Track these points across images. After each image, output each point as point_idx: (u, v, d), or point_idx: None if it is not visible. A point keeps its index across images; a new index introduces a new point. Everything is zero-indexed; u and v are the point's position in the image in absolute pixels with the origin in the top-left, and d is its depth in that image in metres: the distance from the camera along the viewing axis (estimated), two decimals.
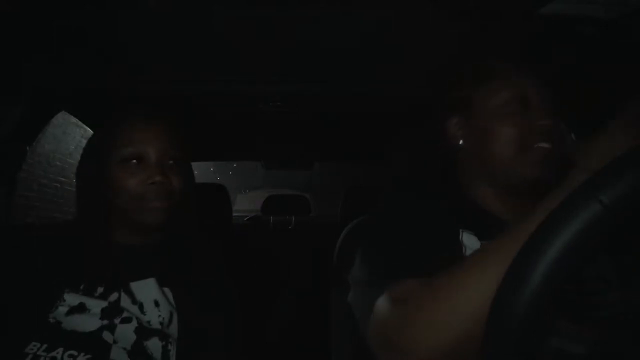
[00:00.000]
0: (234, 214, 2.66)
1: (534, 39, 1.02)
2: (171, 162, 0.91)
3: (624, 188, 0.34)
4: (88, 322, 0.82)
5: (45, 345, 0.78)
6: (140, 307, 0.86)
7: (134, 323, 0.84)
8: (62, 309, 0.82)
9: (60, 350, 0.78)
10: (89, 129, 1.43)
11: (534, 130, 0.77)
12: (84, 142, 0.98)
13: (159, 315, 0.86)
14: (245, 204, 6.75)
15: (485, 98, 0.82)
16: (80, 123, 1.46)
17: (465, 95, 0.85)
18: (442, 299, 0.56)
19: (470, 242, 0.77)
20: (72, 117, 1.37)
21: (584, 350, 0.39)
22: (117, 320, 0.83)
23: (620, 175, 0.34)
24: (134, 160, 0.89)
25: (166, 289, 0.90)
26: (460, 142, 0.87)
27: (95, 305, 0.84)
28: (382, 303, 0.65)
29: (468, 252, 0.75)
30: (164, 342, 0.84)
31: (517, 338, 0.37)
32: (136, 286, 0.88)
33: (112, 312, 0.84)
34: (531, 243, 0.37)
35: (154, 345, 0.83)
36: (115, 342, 0.82)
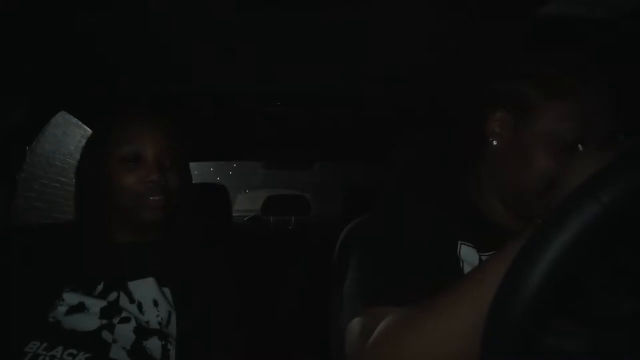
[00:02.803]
0: (234, 214, 2.66)
1: (533, 39, 1.02)
2: (169, 161, 0.92)
3: (624, 186, 0.34)
4: (87, 322, 0.82)
5: (44, 344, 0.79)
6: (139, 306, 0.86)
7: (133, 323, 0.84)
8: (62, 309, 0.83)
9: (60, 349, 0.78)
10: (89, 129, 1.43)
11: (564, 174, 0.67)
12: (84, 142, 0.99)
13: (157, 315, 0.86)
14: (245, 204, 6.76)
15: (548, 110, 0.70)
16: (80, 123, 1.46)
17: (526, 93, 0.73)
18: (414, 330, 0.55)
19: (468, 256, 0.73)
20: (72, 117, 1.37)
21: (583, 349, 0.39)
22: (115, 320, 0.83)
23: (620, 173, 0.34)
24: (132, 159, 0.89)
25: (165, 289, 0.90)
26: (495, 142, 0.77)
27: (95, 305, 0.84)
28: (354, 326, 0.64)
29: (466, 267, 0.72)
30: (163, 342, 0.84)
31: (516, 338, 0.37)
32: (135, 285, 0.88)
33: (111, 311, 0.84)
34: (531, 242, 0.37)
35: (153, 344, 0.83)
36: (114, 341, 0.82)
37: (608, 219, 0.34)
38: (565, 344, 0.39)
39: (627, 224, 0.36)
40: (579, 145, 0.68)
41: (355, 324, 0.65)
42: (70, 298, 0.84)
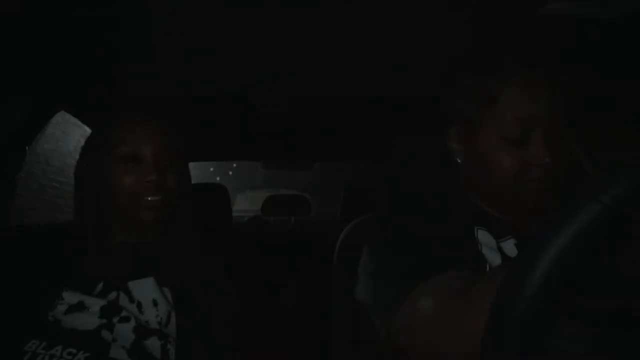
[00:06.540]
0: (234, 214, 2.66)
1: (534, 39, 1.02)
2: (168, 161, 0.92)
3: (625, 187, 0.34)
4: (87, 321, 0.82)
5: (44, 343, 0.79)
6: (139, 306, 0.86)
7: (132, 322, 0.84)
8: (61, 308, 0.83)
9: (59, 348, 0.78)
10: (88, 129, 1.43)
11: (531, 166, 0.71)
12: (84, 142, 0.99)
13: (157, 315, 0.86)
14: (246, 204, 6.75)
15: (485, 117, 0.74)
16: (80, 123, 1.46)
17: (468, 106, 0.77)
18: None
19: (485, 239, 0.76)
20: (72, 117, 1.37)
21: (583, 349, 0.39)
22: (115, 319, 0.83)
23: (621, 174, 0.34)
24: (131, 159, 0.89)
25: (165, 289, 0.90)
26: (457, 159, 0.82)
27: (94, 304, 0.84)
28: (421, 297, 0.63)
29: (484, 248, 0.74)
30: (163, 342, 0.84)
31: (516, 338, 0.37)
32: (135, 285, 0.88)
33: (110, 310, 0.84)
34: (531, 243, 0.37)
35: (153, 344, 0.83)
36: (114, 340, 0.82)
37: (608, 220, 0.34)
38: (565, 344, 0.39)
39: (627, 224, 0.36)
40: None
41: (420, 294, 0.64)
42: (70, 297, 0.84)
